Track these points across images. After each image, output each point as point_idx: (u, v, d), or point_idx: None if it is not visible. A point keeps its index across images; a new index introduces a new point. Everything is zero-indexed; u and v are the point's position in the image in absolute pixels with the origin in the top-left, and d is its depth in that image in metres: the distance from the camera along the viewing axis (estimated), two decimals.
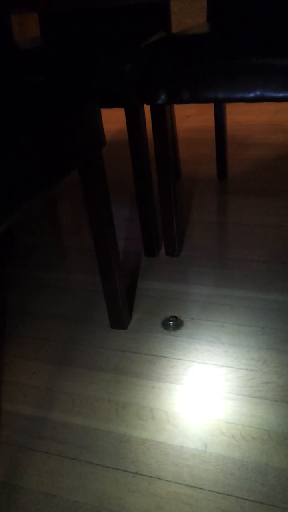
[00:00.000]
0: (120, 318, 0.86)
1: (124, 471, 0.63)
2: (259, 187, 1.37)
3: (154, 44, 0.87)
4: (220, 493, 0.59)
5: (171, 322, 0.87)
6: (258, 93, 0.83)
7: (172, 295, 0.96)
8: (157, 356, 0.81)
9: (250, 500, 0.58)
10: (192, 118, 2.06)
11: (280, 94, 0.84)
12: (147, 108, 0.95)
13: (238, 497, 0.59)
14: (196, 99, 0.86)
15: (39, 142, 0.55)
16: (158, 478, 0.62)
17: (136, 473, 0.62)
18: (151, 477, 0.62)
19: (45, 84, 0.65)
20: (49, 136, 0.57)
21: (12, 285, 1.05)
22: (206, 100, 0.86)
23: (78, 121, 0.63)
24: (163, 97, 0.87)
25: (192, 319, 0.88)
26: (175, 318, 0.88)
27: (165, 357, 0.80)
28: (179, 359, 0.80)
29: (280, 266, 1.01)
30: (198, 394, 0.72)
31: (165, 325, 0.87)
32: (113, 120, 2.08)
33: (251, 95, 0.84)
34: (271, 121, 1.90)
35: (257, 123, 1.89)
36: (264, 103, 2.12)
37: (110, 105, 0.88)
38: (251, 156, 1.59)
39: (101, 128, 0.69)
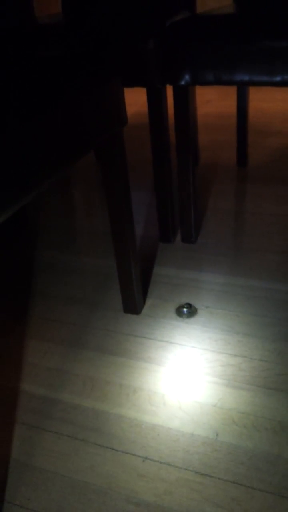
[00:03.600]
0: (133, 303, 0.85)
1: (134, 455, 0.63)
2: (279, 176, 1.34)
3: (179, 23, 0.85)
4: (230, 482, 0.59)
5: (185, 309, 0.86)
6: (286, 77, 0.81)
7: (187, 282, 0.95)
8: (170, 342, 0.80)
9: (260, 490, 0.58)
10: (212, 103, 2.03)
11: None
12: (169, 93, 0.92)
13: (248, 486, 0.58)
14: (220, 81, 0.83)
15: (60, 116, 0.54)
16: (168, 464, 0.61)
17: (146, 457, 0.62)
18: (160, 462, 0.61)
19: (67, 59, 0.64)
20: (70, 111, 0.56)
21: (25, 266, 1.05)
22: (231, 83, 0.83)
23: (100, 97, 0.61)
24: (186, 77, 0.85)
25: (206, 307, 0.87)
26: (189, 305, 0.86)
27: (178, 344, 0.79)
28: (192, 347, 0.79)
29: None
30: (210, 383, 0.72)
31: (179, 312, 0.86)
32: (131, 102, 2.04)
33: (278, 78, 0.81)
34: None
35: (279, 111, 1.85)
36: (287, 91, 2.07)
37: (131, 84, 0.86)
38: (272, 144, 1.55)
39: (123, 105, 0.67)
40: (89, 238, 1.14)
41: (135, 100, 2.06)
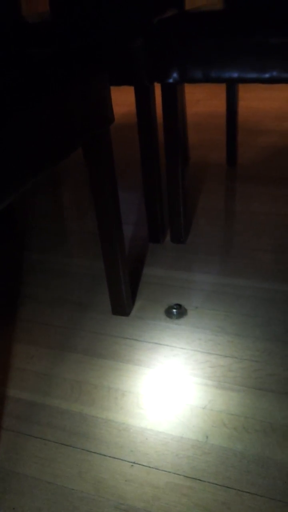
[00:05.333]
0: (122, 305, 0.84)
1: (122, 460, 0.61)
2: (269, 175, 1.33)
3: (167, 20, 0.83)
4: (220, 485, 0.58)
5: (174, 310, 0.85)
6: (274, 73, 0.80)
7: (176, 282, 0.93)
8: (160, 344, 0.79)
9: (250, 493, 0.57)
10: (201, 102, 2.02)
11: None
12: (158, 92, 0.91)
13: (238, 489, 0.57)
14: (209, 78, 0.82)
15: (43, 114, 0.53)
16: (157, 469, 0.60)
17: (134, 462, 0.61)
18: (149, 467, 0.60)
19: (52, 57, 0.62)
20: (54, 108, 0.54)
21: (12, 267, 1.03)
22: (220, 80, 0.82)
23: (85, 94, 0.60)
24: (174, 75, 0.83)
25: (196, 307, 0.86)
26: (178, 306, 0.85)
27: (167, 345, 0.78)
28: (182, 348, 0.77)
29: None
30: (200, 385, 0.70)
31: (168, 313, 0.85)
32: (121, 102, 2.03)
33: (267, 75, 0.80)
34: (283, 108, 1.85)
35: (269, 110, 1.85)
36: (276, 90, 2.07)
37: (119, 83, 0.85)
38: (262, 143, 1.55)
39: (110, 103, 0.66)
40: (77, 240, 1.12)
41: (126, 99, 2.05)
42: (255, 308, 0.85)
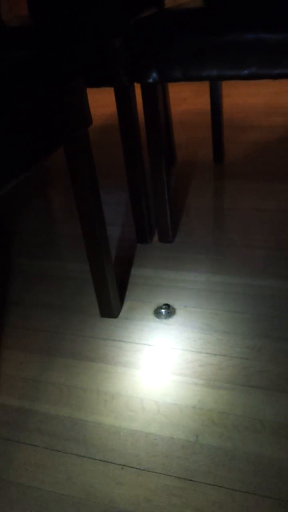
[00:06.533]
0: (110, 307, 0.83)
1: (112, 463, 0.61)
2: (257, 171, 1.33)
3: (145, 19, 0.83)
4: (211, 485, 0.57)
5: (163, 310, 0.84)
6: (253, 69, 0.80)
7: (164, 282, 0.93)
8: (149, 345, 0.78)
9: (241, 491, 0.56)
10: (188, 100, 2.02)
11: (276, 71, 0.80)
12: (138, 92, 0.91)
13: (229, 488, 0.57)
14: (188, 77, 0.82)
15: (16, 119, 0.52)
16: (147, 470, 0.60)
17: (124, 465, 0.60)
18: (139, 469, 0.60)
19: (29, 60, 0.62)
20: (27, 113, 0.54)
21: None
22: (199, 78, 0.82)
23: (61, 97, 0.59)
24: (154, 75, 0.83)
25: (185, 306, 0.86)
26: (167, 306, 0.85)
27: (156, 346, 0.78)
28: (171, 348, 0.77)
29: (276, 252, 0.98)
30: (190, 384, 0.70)
31: (157, 313, 0.85)
32: (106, 103, 2.03)
33: (246, 72, 0.80)
34: (269, 104, 1.85)
35: (255, 106, 1.85)
36: (262, 86, 2.07)
37: (98, 84, 0.84)
38: (248, 139, 1.55)
39: (87, 106, 0.66)
40: (65, 243, 1.12)
41: (111, 101, 2.05)
42: (244, 305, 0.84)
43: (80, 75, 0.66)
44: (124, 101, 0.88)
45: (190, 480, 0.58)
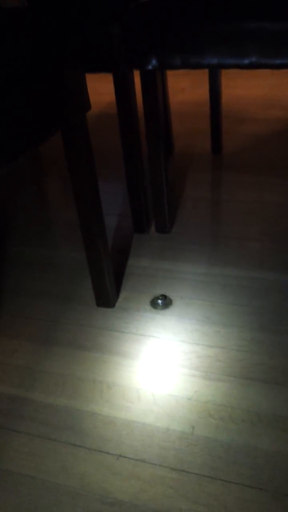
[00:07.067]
0: (106, 296, 0.82)
1: (108, 453, 0.60)
2: (255, 163, 1.32)
3: (145, 4, 0.81)
4: (207, 477, 0.57)
5: (160, 301, 0.84)
6: (254, 59, 0.78)
7: (161, 273, 0.92)
8: (145, 335, 0.78)
9: (237, 484, 0.56)
10: (186, 91, 2.00)
11: (278, 61, 0.79)
12: (138, 82, 0.89)
13: (225, 480, 0.57)
14: (188, 64, 0.80)
15: (13, 102, 0.51)
16: (143, 461, 0.59)
17: (120, 455, 0.60)
18: (135, 459, 0.59)
19: (25, 43, 0.60)
20: (24, 97, 0.52)
21: None
22: (199, 66, 0.80)
23: (58, 81, 0.58)
24: (153, 62, 0.82)
25: (182, 297, 0.85)
26: (164, 296, 0.84)
27: (153, 336, 0.77)
28: (168, 339, 0.77)
29: (274, 244, 0.98)
30: (186, 375, 0.70)
31: (153, 304, 0.84)
32: (106, 91, 2.00)
33: (246, 61, 0.79)
34: (268, 96, 1.84)
35: (253, 98, 1.83)
36: (261, 78, 2.05)
37: (96, 70, 0.83)
38: (247, 131, 1.54)
39: (85, 91, 0.64)
40: (60, 231, 1.10)
41: (109, 89, 2.02)
42: (241, 297, 0.84)
43: (78, 59, 0.64)
44: (122, 88, 0.86)
45: (186, 471, 0.58)
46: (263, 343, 0.74)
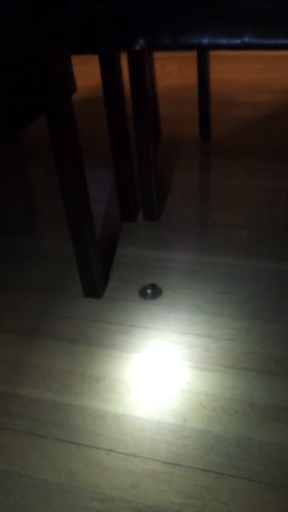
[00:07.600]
0: (94, 287, 0.80)
1: (98, 448, 0.59)
2: (244, 149, 1.30)
3: None
4: (200, 469, 0.56)
5: (149, 290, 0.82)
6: (246, 39, 0.76)
7: (150, 262, 0.90)
8: (134, 326, 0.76)
9: (231, 476, 0.55)
10: (173, 75, 1.96)
11: (270, 42, 0.76)
12: (125, 66, 0.86)
13: (218, 473, 0.55)
14: (178, 44, 0.77)
15: None
16: (134, 455, 0.58)
17: (110, 450, 0.58)
18: (126, 454, 0.58)
19: (7, 21, 0.57)
20: (5, 77, 0.49)
21: None
22: (189, 46, 0.77)
23: (42, 61, 0.55)
24: (141, 42, 0.78)
25: (171, 287, 0.83)
26: (153, 286, 0.82)
27: (142, 327, 0.76)
28: (157, 329, 0.75)
29: (264, 231, 0.96)
30: (177, 366, 0.68)
31: (142, 293, 0.82)
32: (90, 76, 1.95)
33: (238, 41, 0.76)
34: (257, 80, 1.81)
35: (242, 82, 1.80)
36: (249, 62, 2.02)
37: (81, 51, 0.79)
38: (235, 116, 1.51)
39: (70, 71, 0.61)
40: (46, 221, 1.07)
41: (94, 73, 1.97)
42: (232, 286, 0.82)
43: (63, 38, 0.61)
44: (109, 70, 0.83)
45: (178, 464, 0.56)
46: (254, 332, 0.73)
